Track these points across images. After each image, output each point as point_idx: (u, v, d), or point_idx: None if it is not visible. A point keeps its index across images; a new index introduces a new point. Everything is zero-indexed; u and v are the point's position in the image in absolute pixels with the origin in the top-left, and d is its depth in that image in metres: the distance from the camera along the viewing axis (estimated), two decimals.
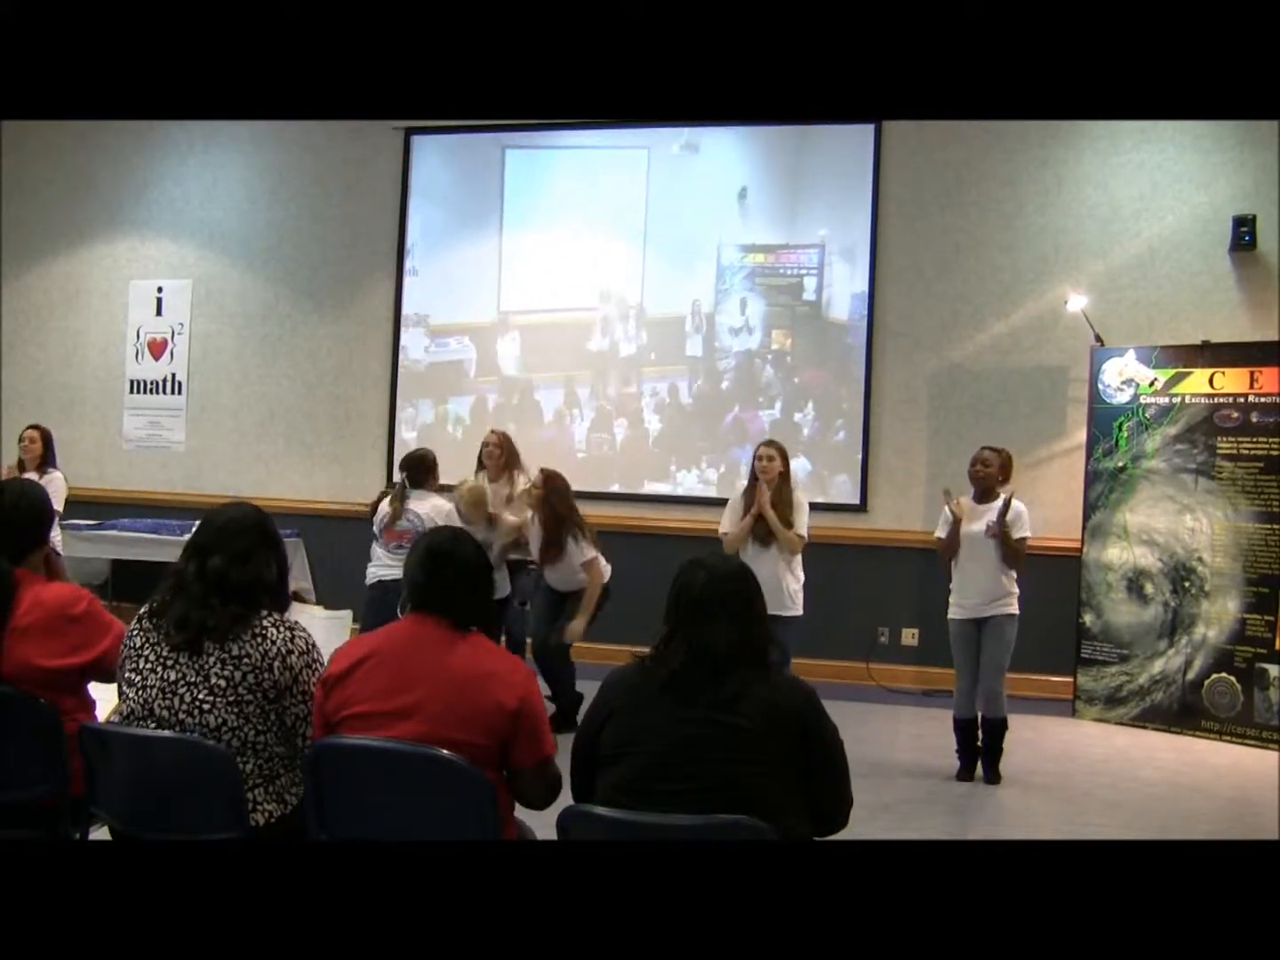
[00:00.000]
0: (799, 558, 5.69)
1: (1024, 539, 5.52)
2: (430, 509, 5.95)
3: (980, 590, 5.49)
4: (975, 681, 5.55)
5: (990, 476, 5.59)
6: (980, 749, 5.56)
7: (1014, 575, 5.50)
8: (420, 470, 6.07)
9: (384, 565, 5.87)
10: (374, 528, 6.10)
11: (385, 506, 6.04)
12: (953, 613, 5.63)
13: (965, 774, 5.52)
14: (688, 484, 8.19)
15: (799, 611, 5.65)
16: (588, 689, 6.34)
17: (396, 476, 6.46)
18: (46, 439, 6.97)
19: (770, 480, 5.66)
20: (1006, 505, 5.47)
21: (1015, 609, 5.50)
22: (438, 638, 2.63)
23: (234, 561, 2.75)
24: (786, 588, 5.58)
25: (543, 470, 6.21)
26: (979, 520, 5.52)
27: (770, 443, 5.89)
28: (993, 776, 5.54)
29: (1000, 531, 5.44)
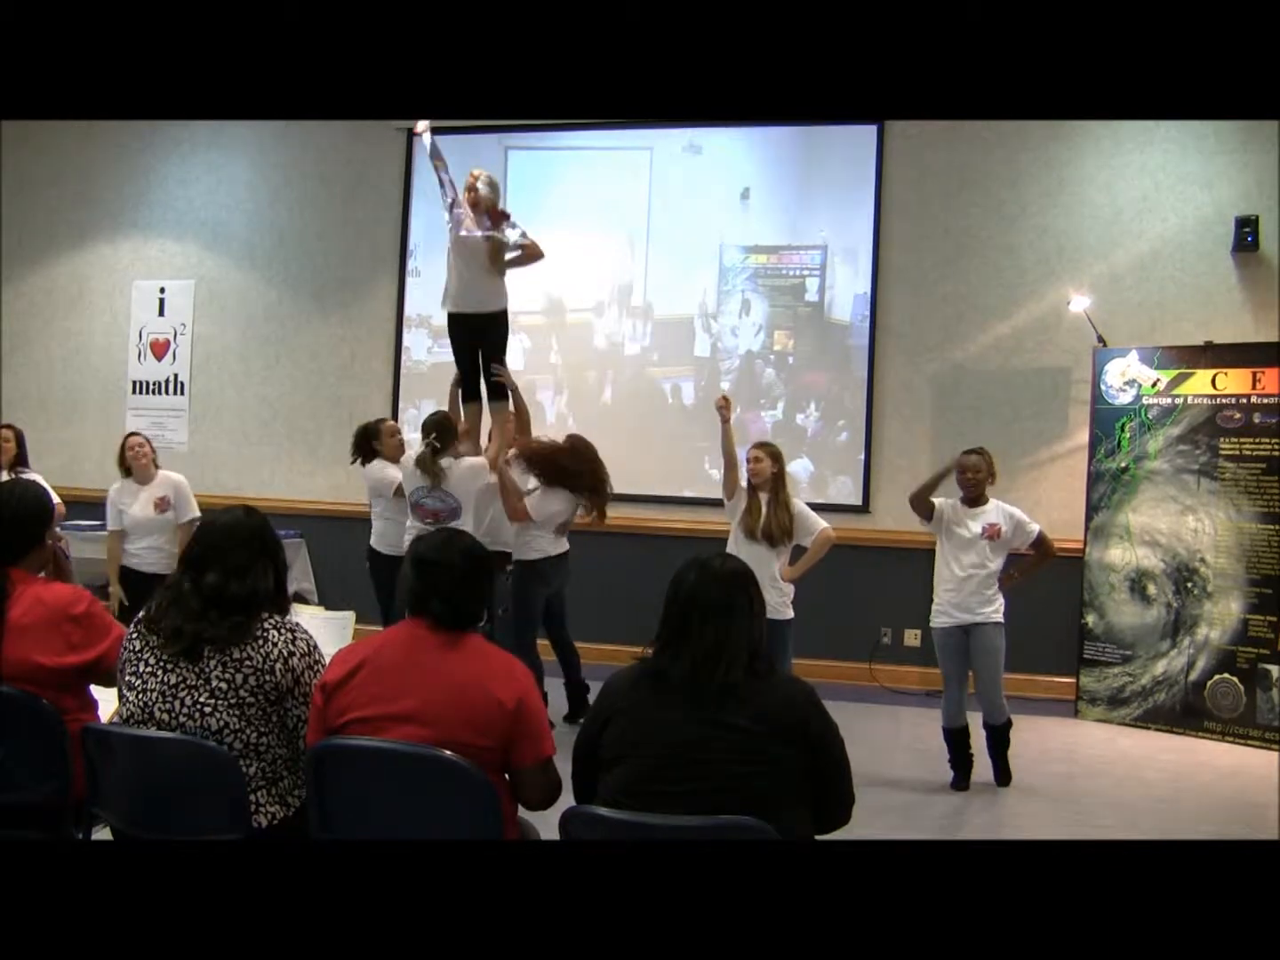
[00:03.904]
0: (787, 563, 5.64)
1: (1039, 536, 5.55)
2: (458, 482, 5.91)
3: (969, 592, 5.42)
4: (963, 689, 5.51)
5: (980, 483, 5.52)
6: (981, 754, 5.52)
7: (997, 585, 5.48)
8: (448, 433, 5.97)
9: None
10: (409, 495, 6.02)
11: (419, 476, 5.92)
12: (938, 620, 5.53)
13: (961, 783, 5.44)
14: (690, 485, 8.19)
15: (790, 614, 5.61)
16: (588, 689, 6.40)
17: (415, 441, 6.40)
18: (19, 439, 6.76)
19: (761, 481, 5.61)
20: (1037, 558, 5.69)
21: (1002, 618, 5.44)
22: (434, 641, 2.63)
23: (231, 577, 2.73)
24: (782, 591, 5.55)
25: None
26: (969, 525, 5.49)
27: (760, 444, 5.80)
28: (1002, 779, 5.50)
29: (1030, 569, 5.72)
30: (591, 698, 6.07)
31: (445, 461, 5.90)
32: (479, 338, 6.10)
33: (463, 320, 6.07)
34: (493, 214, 6.03)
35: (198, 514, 6.55)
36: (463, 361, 6.17)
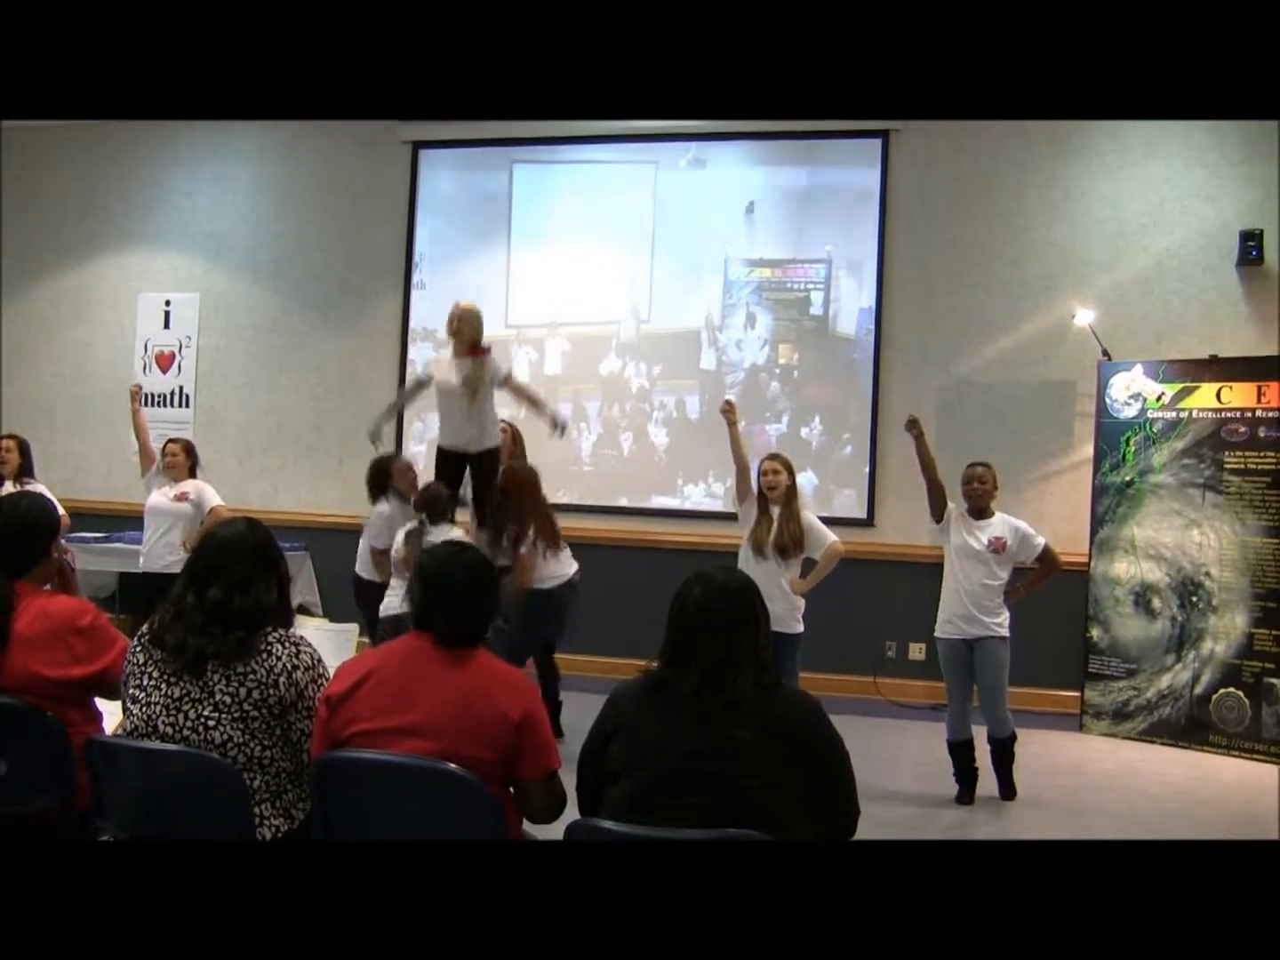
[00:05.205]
0: (797, 575, 5.63)
1: (1045, 549, 5.54)
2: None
3: (972, 605, 5.41)
4: (968, 702, 5.50)
5: (987, 494, 5.53)
6: (986, 768, 5.49)
7: (1002, 598, 5.47)
8: (438, 510, 6.03)
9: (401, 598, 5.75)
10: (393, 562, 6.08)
11: (401, 547, 5.96)
12: (942, 631, 5.53)
13: (966, 797, 5.42)
14: (695, 498, 8.19)
15: (800, 629, 5.61)
16: (591, 702, 6.32)
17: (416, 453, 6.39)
18: (24, 449, 6.74)
19: (777, 494, 5.62)
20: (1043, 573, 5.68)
21: (1006, 631, 5.43)
22: (439, 654, 2.62)
23: (233, 591, 2.71)
24: (792, 604, 5.55)
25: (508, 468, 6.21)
26: (974, 537, 5.48)
27: (775, 456, 5.82)
28: (1007, 792, 5.47)
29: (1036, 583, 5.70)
30: (566, 715, 6.08)
31: (436, 533, 5.89)
32: (467, 466, 6.26)
33: (449, 453, 6.23)
34: (474, 349, 6.14)
35: (217, 502, 6.80)
36: (443, 479, 6.27)
